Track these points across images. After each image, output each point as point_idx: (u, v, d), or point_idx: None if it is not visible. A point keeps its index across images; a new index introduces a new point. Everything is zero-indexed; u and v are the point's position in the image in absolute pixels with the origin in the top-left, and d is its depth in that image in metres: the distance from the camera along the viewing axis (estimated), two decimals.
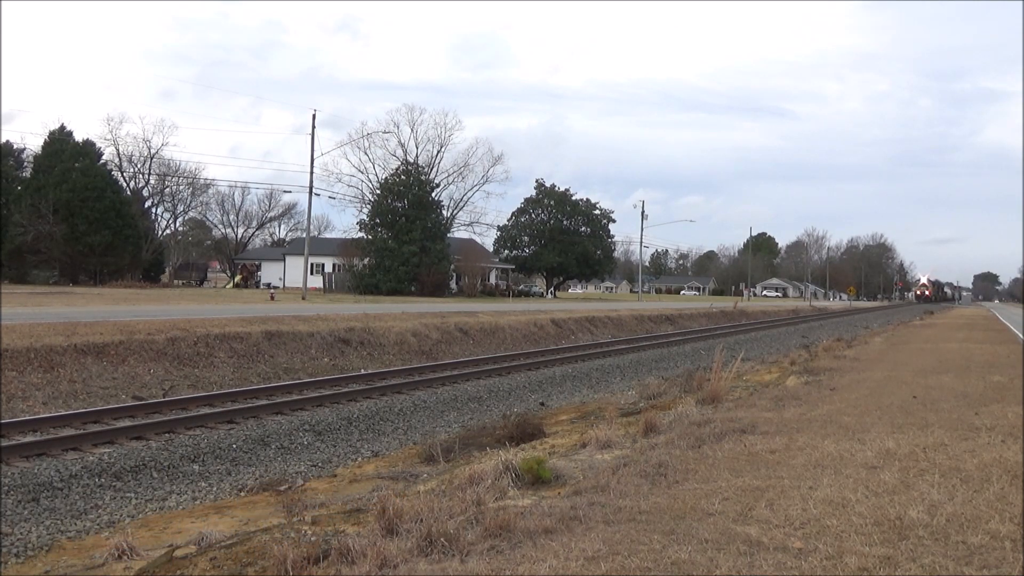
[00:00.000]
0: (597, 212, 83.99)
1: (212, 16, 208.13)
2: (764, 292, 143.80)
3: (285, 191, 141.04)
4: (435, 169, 71.44)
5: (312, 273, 58.34)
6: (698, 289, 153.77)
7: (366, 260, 61.53)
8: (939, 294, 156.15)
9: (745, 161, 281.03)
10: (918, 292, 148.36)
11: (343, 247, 65.82)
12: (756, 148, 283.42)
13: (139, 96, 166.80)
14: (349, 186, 79.32)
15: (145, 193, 73.80)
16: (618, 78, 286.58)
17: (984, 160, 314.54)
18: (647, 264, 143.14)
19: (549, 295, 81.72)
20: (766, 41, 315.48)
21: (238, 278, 76.72)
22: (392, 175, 65.19)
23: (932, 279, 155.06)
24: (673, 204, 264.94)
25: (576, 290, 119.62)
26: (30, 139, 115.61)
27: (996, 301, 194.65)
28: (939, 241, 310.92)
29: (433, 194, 66.19)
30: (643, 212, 78.44)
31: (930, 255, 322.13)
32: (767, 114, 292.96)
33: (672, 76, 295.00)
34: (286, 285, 66.67)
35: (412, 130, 71.58)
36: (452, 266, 64.77)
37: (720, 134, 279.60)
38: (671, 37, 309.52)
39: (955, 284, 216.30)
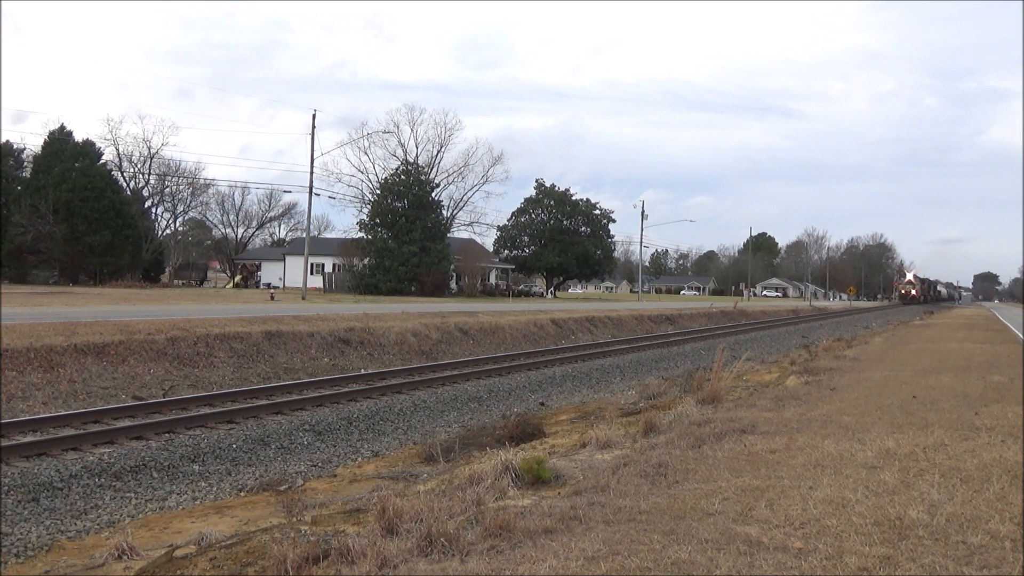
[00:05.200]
0: (597, 212, 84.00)
1: (219, 15, 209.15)
2: (764, 292, 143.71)
3: (285, 191, 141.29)
4: (435, 169, 71.55)
5: (312, 273, 58.35)
6: (698, 289, 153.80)
7: (366, 260, 61.53)
8: (930, 294, 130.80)
9: (750, 161, 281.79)
10: (903, 292, 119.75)
11: (343, 247, 65.83)
12: (761, 148, 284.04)
13: (153, 96, 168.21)
14: (349, 186, 79.62)
15: (145, 193, 73.80)
16: (625, 78, 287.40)
17: (989, 160, 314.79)
18: (647, 264, 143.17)
19: (549, 295, 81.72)
20: (772, 41, 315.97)
21: (238, 278, 76.71)
22: (392, 175, 65.22)
23: (920, 276, 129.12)
24: (682, 204, 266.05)
25: (576, 290, 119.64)
26: (30, 139, 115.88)
27: (996, 301, 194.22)
28: (945, 241, 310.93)
29: (433, 194, 66.22)
30: (643, 212, 78.50)
31: (935, 255, 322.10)
32: (773, 114, 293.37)
33: (678, 76, 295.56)
34: (286, 285, 66.68)
35: (412, 130, 71.68)
36: (452, 266, 64.77)
37: (726, 134, 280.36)
38: (677, 37, 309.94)
39: (955, 284, 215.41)
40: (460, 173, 73.71)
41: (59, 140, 61.43)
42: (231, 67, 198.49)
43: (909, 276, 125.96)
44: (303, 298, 42.66)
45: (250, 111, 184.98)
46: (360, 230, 64.04)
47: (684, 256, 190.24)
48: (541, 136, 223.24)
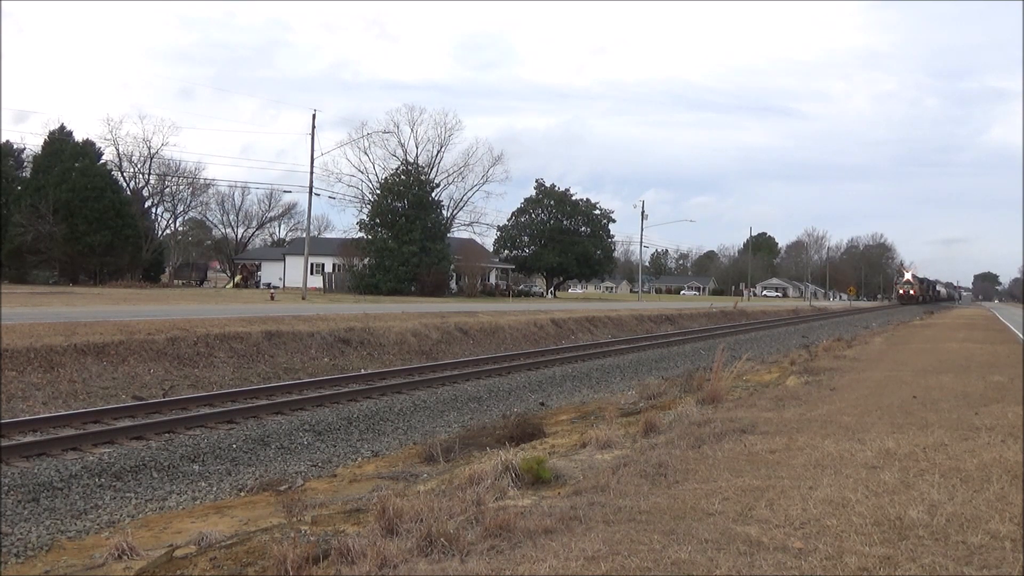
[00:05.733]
0: (597, 212, 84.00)
1: (219, 15, 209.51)
2: (764, 292, 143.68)
3: (285, 191, 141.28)
4: (435, 169, 71.55)
5: (312, 273, 58.34)
6: (698, 289, 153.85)
7: (366, 260, 61.53)
8: (929, 294, 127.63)
9: (751, 161, 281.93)
10: (901, 291, 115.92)
11: (343, 247, 65.84)
12: (762, 148, 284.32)
13: (155, 96, 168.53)
14: (349, 186, 79.62)
15: (145, 193, 73.78)
16: (627, 78, 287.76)
17: (989, 160, 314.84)
18: (647, 264, 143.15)
19: (549, 295, 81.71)
20: (773, 41, 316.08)
21: (238, 278, 76.71)
22: (392, 175, 65.20)
23: (918, 276, 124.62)
24: (683, 204, 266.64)
25: (576, 290, 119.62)
26: (30, 139, 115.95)
27: (996, 301, 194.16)
28: (946, 241, 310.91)
29: (433, 194, 66.22)
30: (643, 212, 78.50)
31: (935, 255, 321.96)
32: (774, 114, 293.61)
33: (679, 76, 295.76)
34: (286, 285, 66.67)
35: (412, 130, 71.67)
36: (452, 266, 64.75)
37: (727, 134, 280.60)
38: (678, 37, 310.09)
39: (955, 284, 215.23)
40: (460, 173, 73.80)
41: (59, 140, 61.38)
42: (233, 67, 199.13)
43: (907, 276, 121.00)
44: (303, 298, 42.66)
45: (252, 111, 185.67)
46: (360, 230, 64.05)
47: (684, 256, 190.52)
48: (543, 136, 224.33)
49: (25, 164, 65.15)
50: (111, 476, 10.03)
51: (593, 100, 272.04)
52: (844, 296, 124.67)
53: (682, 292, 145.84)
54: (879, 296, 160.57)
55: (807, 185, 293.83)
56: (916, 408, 10.45)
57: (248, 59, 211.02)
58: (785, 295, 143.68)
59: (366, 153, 70.77)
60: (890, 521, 5.23)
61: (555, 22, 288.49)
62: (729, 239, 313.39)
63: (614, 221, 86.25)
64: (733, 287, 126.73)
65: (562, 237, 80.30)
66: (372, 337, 23.35)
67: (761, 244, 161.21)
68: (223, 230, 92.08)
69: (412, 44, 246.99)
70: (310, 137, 45.15)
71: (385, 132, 67.21)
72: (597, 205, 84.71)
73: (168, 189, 75.83)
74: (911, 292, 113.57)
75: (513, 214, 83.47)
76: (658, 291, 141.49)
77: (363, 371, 19.42)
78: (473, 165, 73.99)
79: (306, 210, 54.31)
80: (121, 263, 61.44)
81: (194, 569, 5.73)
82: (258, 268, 78.85)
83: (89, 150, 62.30)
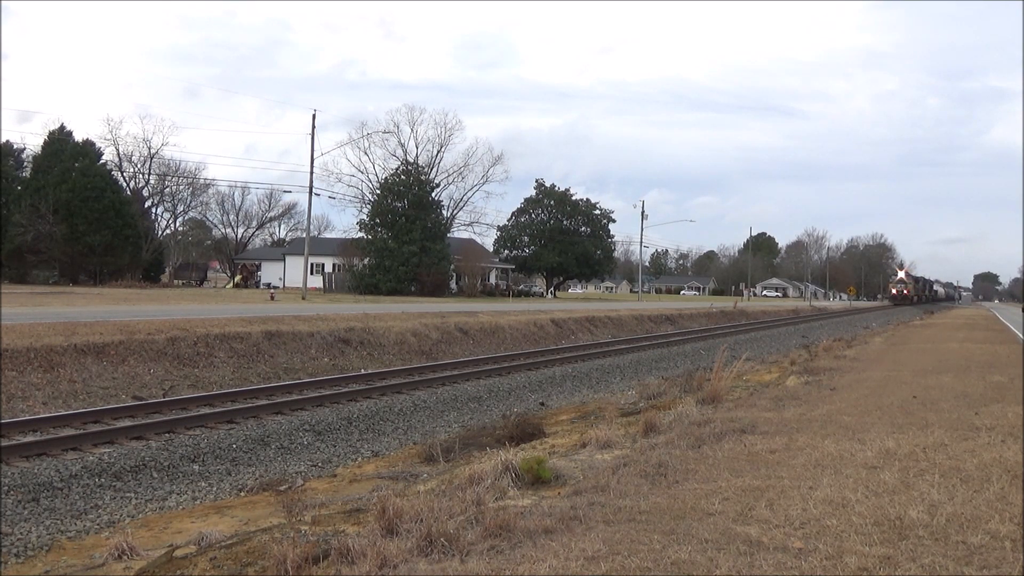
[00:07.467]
0: (597, 212, 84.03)
1: (220, 15, 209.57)
2: (764, 292, 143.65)
3: (285, 191, 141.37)
4: (435, 169, 71.58)
5: (312, 273, 58.35)
6: (698, 289, 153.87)
7: (366, 260, 61.54)
8: (925, 293, 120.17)
9: (753, 161, 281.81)
10: (894, 291, 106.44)
11: (343, 247, 65.87)
12: (764, 148, 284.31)
13: (159, 96, 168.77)
14: (349, 186, 79.57)
15: (145, 193, 73.75)
16: (629, 78, 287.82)
17: (990, 160, 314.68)
18: (647, 264, 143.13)
19: (549, 295, 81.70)
20: (775, 41, 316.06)
21: (238, 278, 76.71)
22: (392, 175, 65.23)
23: (913, 274, 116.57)
24: (686, 204, 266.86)
25: (576, 290, 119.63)
26: (30, 139, 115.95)
27: (996, 301, 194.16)
28: (946, 241, 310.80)
29: (433, 194, 66.23)
30: (643, 212, 78.49)
31: (936, 255, 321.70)
32: (776, 113, 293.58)
33: (681, 76, 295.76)
34: (286, 285, 66.69)
35: (412, 130, 71.70)
36: (452, 266, 64.77)
37: (729, 134, 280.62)
38: (679, 37, 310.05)
39: (955, 284, 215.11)
40: (460, 173, 73.85)
41: (59, 140, 61.38)
42: (238, 67, 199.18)
43: (900, 274, 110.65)
44: (303, 298, 42.66)
45: (257, 111, 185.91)
46: (360, 230, 64.07)
47: (684, 256, 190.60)
48: (547, 136, 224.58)
49: (25, 164, 65.12)
50: (111, 476, 10.03)
51: (595, 100, 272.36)
52: (844, 296, 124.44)
53: (682, 292, 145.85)
54: (879, 296, 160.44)
55: (807, 185, 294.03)
56: (916, 408, 10.44)
57: (251, 59, 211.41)
58: (785, 295, 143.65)
59: (366, 153, 70.92)
60: (890, 521, 5.23)
61: (556, 22, 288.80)
62: (729, 239, 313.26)
63: (614, 221, 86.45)
64: (733, 287, 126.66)
65: (562, 237, 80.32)
66: (372, 337, 23.35)
67: (761, 244, 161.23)
68: (223, 230, 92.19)
69: (415, 44, 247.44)
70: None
71: (385, 132, 67.35)
72: (597, 205, 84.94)
73: (168, 189, 75.86)
74: (904, 292, 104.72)
75: (513, 214, 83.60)
76: (658, 291, 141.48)
77: (363, 371, 19.42)
78: (473, 165, 74.14)
79: (306, 210, 54.37)
80: (121, 263, 61.44)
81: (194, 569, 5.73)
82: (258, 268, 78.86)
83: (89, 150, 62.30)
